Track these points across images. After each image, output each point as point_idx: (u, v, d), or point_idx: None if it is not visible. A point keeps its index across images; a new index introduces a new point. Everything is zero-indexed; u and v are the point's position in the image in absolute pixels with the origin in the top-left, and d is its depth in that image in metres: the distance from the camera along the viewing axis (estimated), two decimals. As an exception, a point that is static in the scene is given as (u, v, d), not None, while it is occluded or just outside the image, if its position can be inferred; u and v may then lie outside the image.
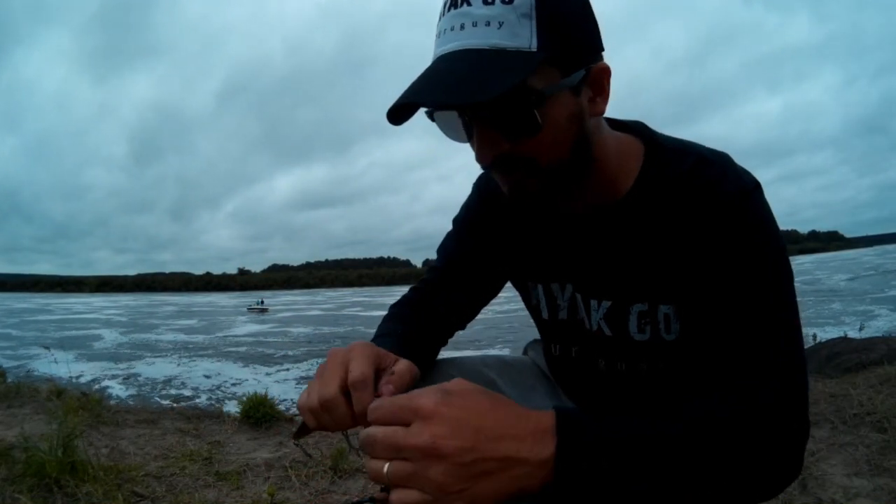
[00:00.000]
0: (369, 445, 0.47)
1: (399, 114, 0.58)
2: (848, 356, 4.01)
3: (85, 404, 2.89)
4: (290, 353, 17.92)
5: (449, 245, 0.91)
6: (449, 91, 0.54)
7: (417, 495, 0.45)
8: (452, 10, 0.57)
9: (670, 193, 0.67)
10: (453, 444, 0.44)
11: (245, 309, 50.55)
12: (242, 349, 19.85)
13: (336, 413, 0.57)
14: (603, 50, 0.63)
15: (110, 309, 59.76)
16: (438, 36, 0.59)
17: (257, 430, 2.75)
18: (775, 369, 0.57)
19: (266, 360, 16.54)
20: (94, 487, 1.77)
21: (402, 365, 0.64)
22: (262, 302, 55.38)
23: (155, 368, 13.92)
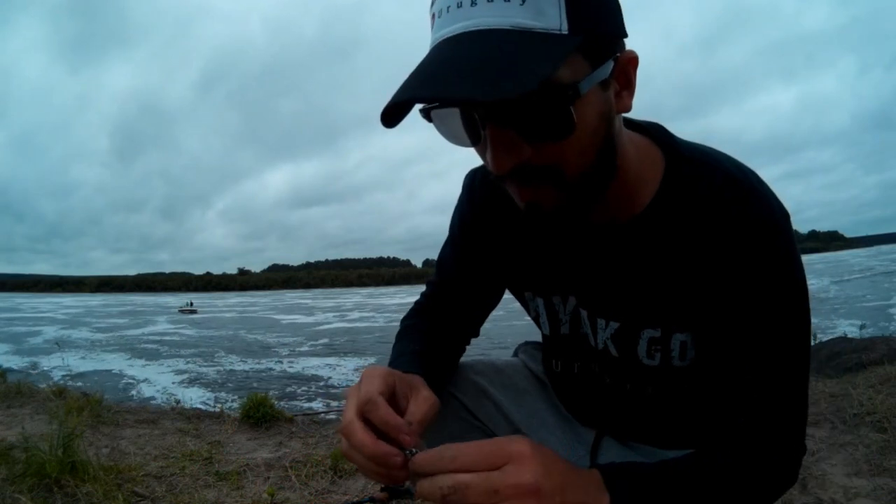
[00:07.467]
0: (459, 492, 0.47)
1: (393, 112, 0.48)
2: (848, 356, 4.01)
3: (85, 404, 2.90)
4: (181, 351, 20.04)
5: (446, 256, 0.85)
6: (467, 82, 0.43)
7: None
8: None
9: (694, 214, 0.60)
10: (550, 484, 0.47)
11: (177, 310, 52.18)
12: (149, 346, 21.97)
13: (354, 439, 0.54)
14: (627, 35, 0.54)
15: (72, 309, 61.88)
16: (439, 15, 0.48)
17: (257, 430, 2.75)
18: (781, 418, 0.60)
19: (152, 356, 18.73)
20: (94, 487, 1.77)
21: (420, 406, 0.59)
22: (192, 304, 58.88)
23: (56, 360, 15.26)
